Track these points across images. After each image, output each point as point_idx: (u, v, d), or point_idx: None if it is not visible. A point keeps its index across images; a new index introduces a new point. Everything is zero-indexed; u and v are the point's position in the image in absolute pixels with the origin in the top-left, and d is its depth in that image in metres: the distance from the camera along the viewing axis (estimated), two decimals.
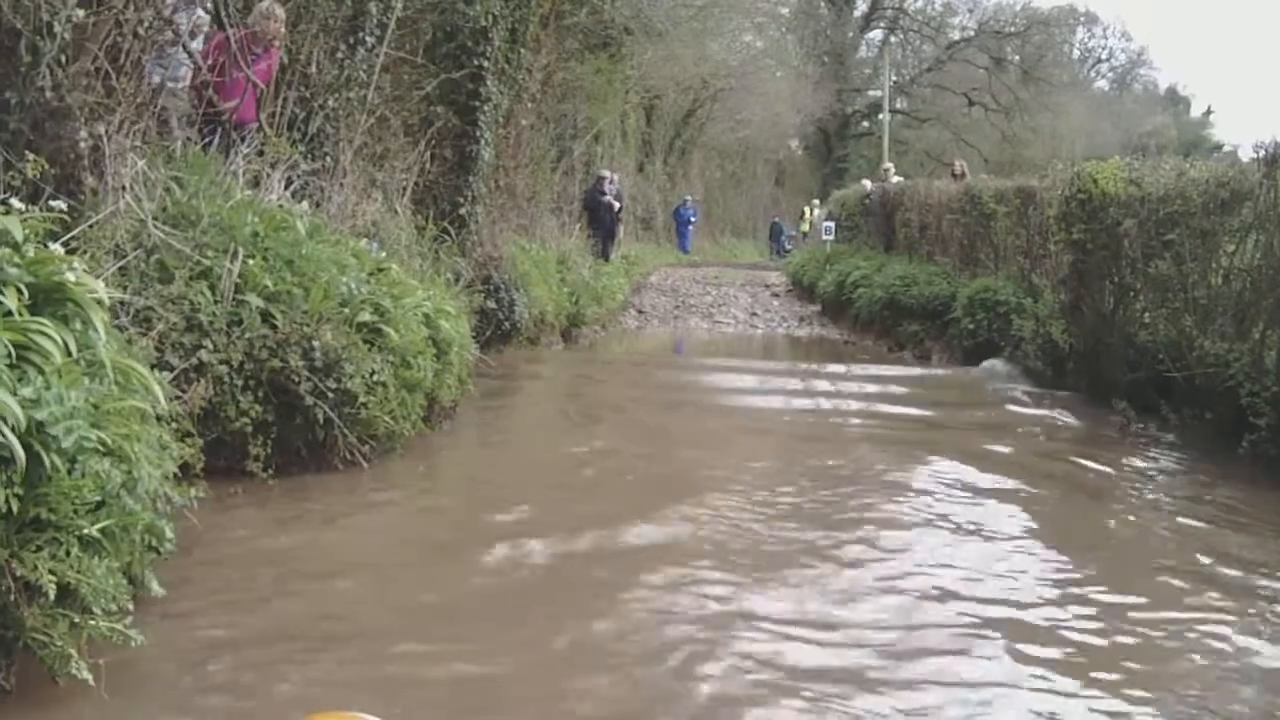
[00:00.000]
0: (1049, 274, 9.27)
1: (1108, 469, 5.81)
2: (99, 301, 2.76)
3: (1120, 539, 4.62)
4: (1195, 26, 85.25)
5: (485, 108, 9.68)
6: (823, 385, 8.81)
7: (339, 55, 7.62)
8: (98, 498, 2.51)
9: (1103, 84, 53.87)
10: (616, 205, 17.12)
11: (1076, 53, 52.68)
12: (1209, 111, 58.18)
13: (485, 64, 9.59)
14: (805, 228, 30.66)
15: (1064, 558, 4.23)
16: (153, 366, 4.30)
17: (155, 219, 4.79)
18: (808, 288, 18.48)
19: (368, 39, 7.88)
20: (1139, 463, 5.96)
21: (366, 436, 4.95)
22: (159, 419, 3.41)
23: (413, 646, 3.06)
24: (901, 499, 5.05)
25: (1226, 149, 45.89)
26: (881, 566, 4.00)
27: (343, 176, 7.53)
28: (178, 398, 4.34)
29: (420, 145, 9.12)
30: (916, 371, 10.15)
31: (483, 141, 9.71)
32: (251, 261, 4.80)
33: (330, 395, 4.73)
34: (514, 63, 10.57)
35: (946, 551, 4.23)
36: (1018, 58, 45.71)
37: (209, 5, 6.20)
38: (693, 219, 30.57)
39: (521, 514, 4.50)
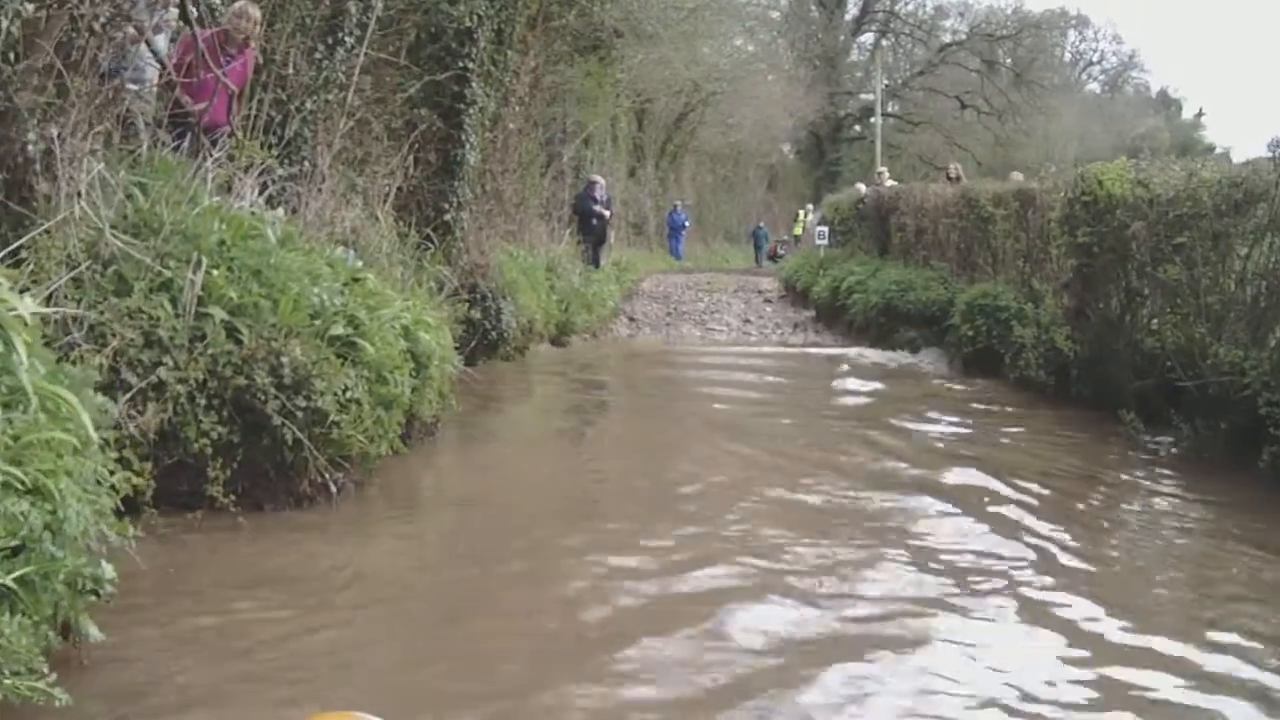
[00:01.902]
0: (1050, 279, 9.02)
1: (1114, 488, 5.56)
2: (21, 320, 2.48)
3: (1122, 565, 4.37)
4: (1185, 29, 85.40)
5: (470, 111, 9.41)
6: None
7: (317, 56, 7.36)
8: (14, 543, 2.22)
9: (1094, 87, 53.79)
10: (607, 212, 16.84)
11: (1068, 56, 52.63)
12: (1200, 114, 58.03)
13: (470, 66, 9.32)
14: (798, 232, 30.44)
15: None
16: (108, 385, 4.06)
17: (114, 227, 4.51)
18: (801, 293, 18.21)
19: (347, 39, 7.62)
20: (1146, 480, 5.69)
21: (339, 458, 4.66)
22: (104, 446, 3.13)
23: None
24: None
25: (1218, 151, 45.89)
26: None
27: (321, 182, 7.26)
28: (133, 418, 4.08)
29: (403, 149, 8.84)
30: None
31: (468, 145, 9.44)
32: (216, 272, 4.52)
33: (299, 414, 4.44)
34: (500, 65, 10.31)
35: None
36: (1009, 60, 45.65)
37: (176, 3, 5.90)
38: (685, 224, 30.33)
39: (512, 565, 4.06)
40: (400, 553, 4.24)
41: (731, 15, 25.77)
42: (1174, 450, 6.15)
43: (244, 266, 4.68)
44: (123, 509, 3.09)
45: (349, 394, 4.65)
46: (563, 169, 16.88)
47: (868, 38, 47.55)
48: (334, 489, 4.56)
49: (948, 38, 46.32)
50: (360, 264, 5.84)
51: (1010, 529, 4.59)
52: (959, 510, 4.89)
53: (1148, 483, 5.61)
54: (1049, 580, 3.93)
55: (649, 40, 19.17)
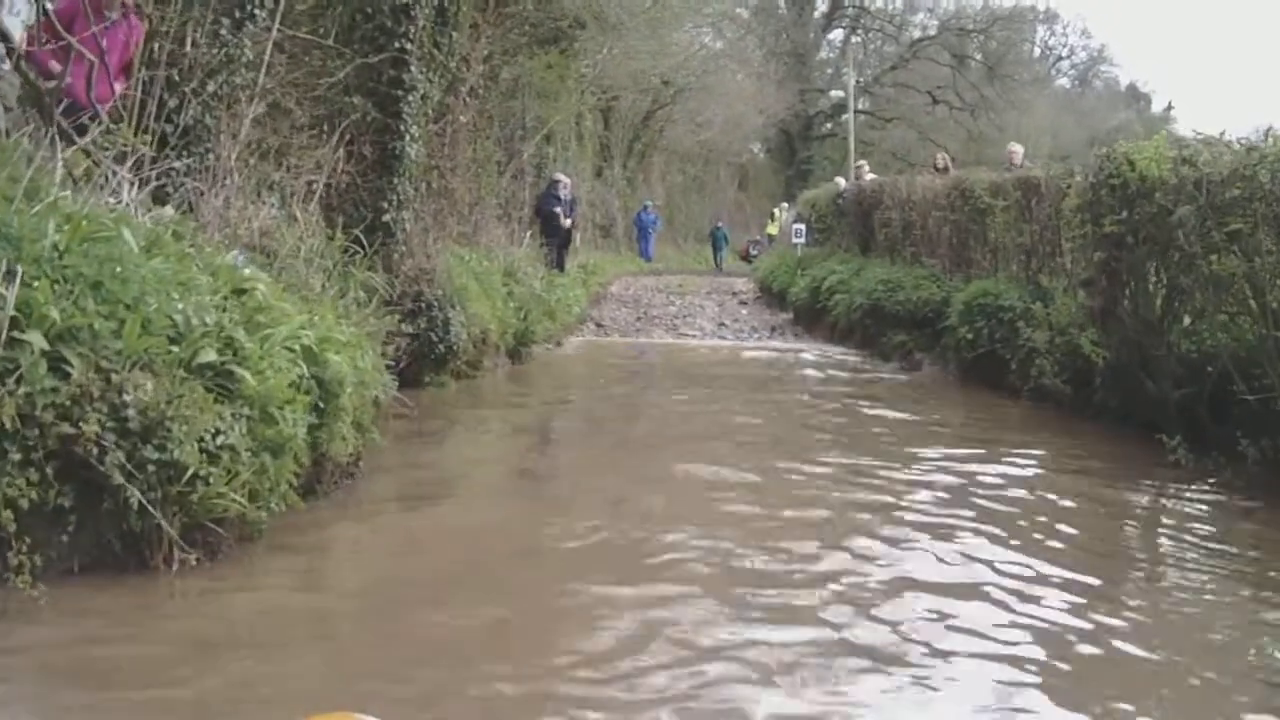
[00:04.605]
0: (1063, 274, 8.09)
1: (1166, 538, 4.58)
2: None
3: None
4: (1151, 23, 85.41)
5: (410, 98, 8.35)
6: None
7: (221, 31, 6.31)
8: None
9: (1064, 81, 53.37)
10: (571, 213, 15.79)
11: (1037, 51, 52.14)
12: (1170, 107, 57.68)
13: (408, 47, 8.28)
14: (773, 231, 29.51)
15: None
16: None
17: None
18: (778, 294, 17.31)
19: (258, 13, 6.58)
20: (1206, 526, 4.70)
21: (209, 522, 3.60)
22: None
23: None
24: None
25: None
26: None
27: (225, 176, 6.19)
28: None
29: (332, 141, 7.77)
30: None
31: (408, 137, 8.38)
32: (38, 285, 3.44)
33: (150, 469, 3.38)
34: (444, 48, 9.24)
35: None
36: (980, 55, 45.02)
37: None
38: (655, 225, 29.33)
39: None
40: (235, 659, 3.06)
41: (700, 1, 24.64)
42: (1235, 481, 5.15)
43: (80, 278, 3.61)
44: None
45: (220, 439, 3.60)
46: (523, 167, 15.81)
47: (838, 34, 46.82)
48: (175, 565, 3.48)
49: (918, 33, 45.63)
50: (250, 270, 4.74)
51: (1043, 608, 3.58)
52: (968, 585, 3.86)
53: (1206, 524, 4.62)
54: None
55: (613, 31, 18.16)
